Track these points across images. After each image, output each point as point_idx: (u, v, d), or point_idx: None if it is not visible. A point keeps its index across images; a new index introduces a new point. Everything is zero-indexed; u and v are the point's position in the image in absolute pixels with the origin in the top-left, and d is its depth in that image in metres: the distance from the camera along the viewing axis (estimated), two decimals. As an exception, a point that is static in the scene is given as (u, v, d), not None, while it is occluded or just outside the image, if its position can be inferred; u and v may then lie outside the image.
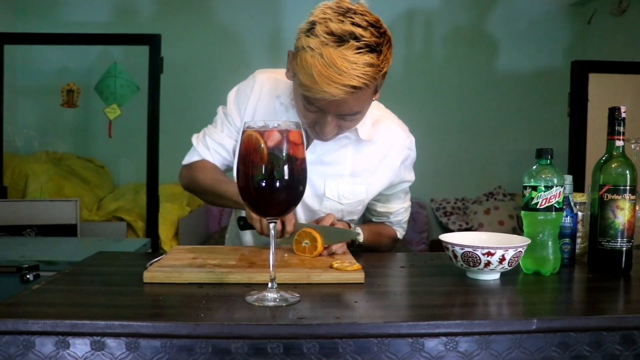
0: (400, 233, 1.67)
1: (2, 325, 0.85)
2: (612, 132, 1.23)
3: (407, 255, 1.47)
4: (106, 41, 3.62)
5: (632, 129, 1.57)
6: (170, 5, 4.67)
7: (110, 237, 3.30)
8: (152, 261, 1.17)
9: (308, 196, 1.44)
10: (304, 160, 0.93)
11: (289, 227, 1.28)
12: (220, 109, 1.53)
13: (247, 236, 1.56)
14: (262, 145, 0.89)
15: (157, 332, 0.84)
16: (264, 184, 0.90)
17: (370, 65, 1.14)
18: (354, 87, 1.14)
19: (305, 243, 1.27)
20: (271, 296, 0.94)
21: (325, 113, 1.24)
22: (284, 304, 0.93)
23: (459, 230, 4.55)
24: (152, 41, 3.40)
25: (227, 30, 4.68)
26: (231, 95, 1.51)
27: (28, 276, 2.47)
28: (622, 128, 1.23)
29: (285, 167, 0.90)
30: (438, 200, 4.89)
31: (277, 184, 0.90)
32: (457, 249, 1.13)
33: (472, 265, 1.12)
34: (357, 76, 1.14)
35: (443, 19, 4.89)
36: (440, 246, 1.24)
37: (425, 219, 4.74)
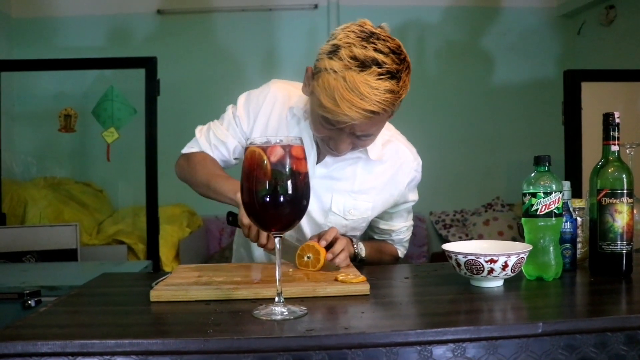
0: (401, 252, 1.68)
1: (11, 347, 0.85)
2: (607, 138, 1.25)
3: (410, 266, 1.48)
4: (102, 65, 3.64)
5: (625, 135, 1.60)
6: (166, 27, 4.71)
7: (111, 261, 3.29)
8: (158, 280, 1.17)
9: (314, 209, 1.45)
10: (306, 174, 0.94)
11: (262, 240, 1.28)
12: (229, 108, 1.53)
13: (258, 251, 1.56)
14: (265, 161, 0.91)
15: (166, 349, 0.84)
16: (268, 199, 0.91)
17: (391, 91, 1.18)
18: (374, 112, 1.17)
19: (308, 257, 1.28)
20: (279, 310, 0.95)
21: (341, 131, 1.25)
22: (291, 317, 0.94)
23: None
24: (148, 64, 3.42)
25: (223, 51, 4.72)
26: (241, 99, 1.51)
27: (30, 302, 2.47)
28: (616, 133, 1.25)
29: (289, 182, 0.91)
30: (437, 213, 4.90)
31: (281, 199, 0.92)
32: (460, 257, 1.14)
33: (475, 273, 1.13)
34: (378, 102, 1.17)
35: (436, 34, 4.94)
36: (441, 259, 1.25)
37: (425, 232, 4.75)
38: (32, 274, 2.75)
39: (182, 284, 1.12)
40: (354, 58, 1.16)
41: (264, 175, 0.91)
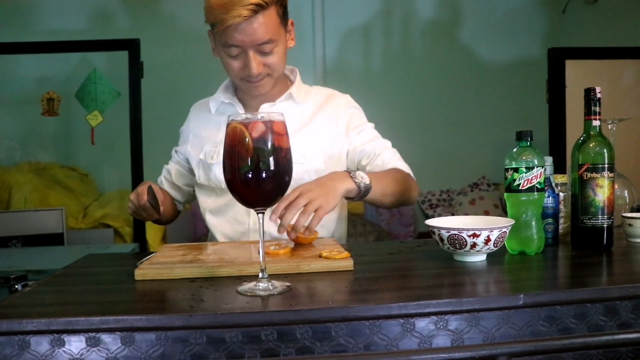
0: (405, 168, 1.58)
1: (-4, 326, 0.85)
2: (588, 113, 1.26)
3: (395, 243, 1.48)
4: (84, 48, 3.60)
5: (609, 111, 1.61)
6: (148, 9, 4.65)
7: (98, 244, 3.29)
8: (143, 260, 1.18)
9: None
10: (288, 150, 0.94)
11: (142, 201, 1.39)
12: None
13: (231, 232, 1.59)
14: (247, 138, 0.90)
15: (151, 325, 0.85)
16: (250, 176, 0.91)
17: None
18: (257, 4, 1.30)
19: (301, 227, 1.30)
20: (262, 285, 0.95)
21: (246, 51, 1.37)
22: (275, 293, 0.94)
23: (446, 221, 4.58)
24: (131, 46, 3.39)
25: (206, 33, 4.67)
26: (180, 131, 1.70)
27: (17, 286, 2.46)
28: (598, 108, 1.26)
29: (271, 158, 0.91)
30: (423, 193, 4.92)
31: (263, 175, 0.92)
32: (443, 232, 1.15)
33: (458, 247, 1.14)
34: None
35: (421, 15, 4.93)
36: (427, 238, 1.26)
37: (412, 212, 4.77)
38: (18, 258, 2.74)
39: (166, 263, 1.13)
40: None
41: (246, 152, 0.90)
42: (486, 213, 4.50)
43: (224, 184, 1.50)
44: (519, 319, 0.92)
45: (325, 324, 0.86)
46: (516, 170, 1.23)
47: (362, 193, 1.33)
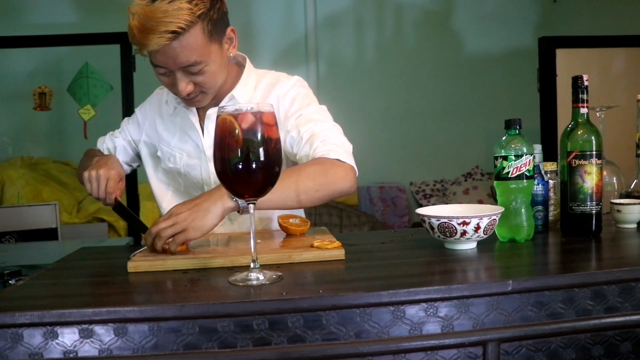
0: (334, 154, 1.32)
1: (-12, 320, 0.86)
2: (576, 100, 1.27)
3: (387, 232, 1.49)
4: (76, 41, 3.58)
5: (600, 99, 1.62)
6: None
7: (92, 238, 3.29)
8: (136, 252, 1.18)
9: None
10: (278, 140, 0.95)
11: (109, 200, 1.37)
12: (124, 120, 1.67)
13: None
14: (237, 129, 0.91)
15: (144, 316, 0.85)
16: (240, 167, 0.92)
17: (181, 9, 1.22)
18: (171, 31, 1.22)
19: (294, 220, 1.30)
20: (254, 275, 0.96)
21: (173, 72, 1.30)
22: (267, 282, 0.95)
23: (440, 211, 4.60)
24: (123, 39, 3.37)
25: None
26: (136, 109, 1.65)
27: (10, 282, 2.46)
28: (585, 96, 1.26)
29: (261, 149, 0.92)
30: (417, 183, 4.94)
31: (254, 166, 0.92)
32: (433, 220, 1.16)
33: (448, 235, 1.15)
34: (170, 22, 1.21)
35: (413, 4, 4.93)
36: (421, 227, 1.27)
37: (406, 203, 4.79)
38: (12, 253, 2.74)
39: (159, 255, 1.13)
40: None
41: (236, 143, 0.91)
42: (480, 202, 4.52)
43: (185, 181, 1.52)
44: (508, 305, 0.93)
45: (316, 313, 0.87)
46: (505, 158, 1.24)
47: (244, 209, 1.17)
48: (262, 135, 0.92)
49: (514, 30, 4.91)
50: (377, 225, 4.35)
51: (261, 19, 4.78)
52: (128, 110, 3.31)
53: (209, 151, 1.47)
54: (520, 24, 4.92)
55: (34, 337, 0.86)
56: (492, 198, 1.35)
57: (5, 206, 3.50)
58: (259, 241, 1.24)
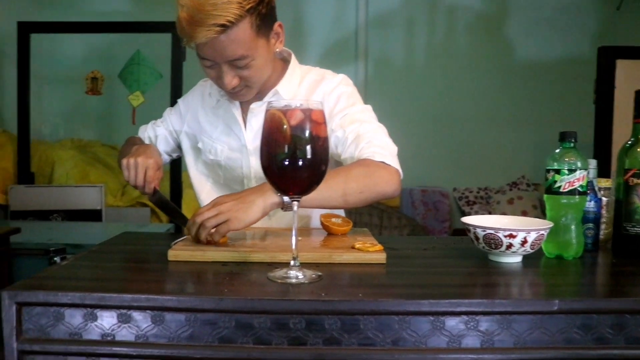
0: (379, 156, 1.31)
1: (33, 296, 0.87)
2: (638, 115, 1.22)
3: (429, 238, 1.46)
4: (129, 29, 3.65)
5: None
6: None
7: (134, 222, 3.35)
8: (176, 241, 1.19)
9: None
10: (326, 139, 0.93)
11: (148, 189, 1.37)
12: (167, 110, 1.67)
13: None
14: (285, 125, 0.90)
15: (181, 306, 0.86)
16: (286, 163, 0.91)
17: (230, 2, 1.21)
18: (220, 25, 1.21)
19: (336, 219, 1.29)
20: (293, 273, 0.95)
21: (219, 65, 1.30)
22: (306, 281, 0.94)
23: (481, 219, 4.52)
24: (174, 29, 3.42)
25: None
26: (179, 100, 1.65)
27: (55, 259, 2.54)
28: (648, 111, 1.21)
29: (308, 147, 0.91)
30: (461, 189, 4.86)
31: (300, 163, 0.91)
32: (479, 231, 1.13)
33: (493, 247, 1.12)
34: (219, 15, 1.20)
35: (466, 7, 4.85)
36: (462, 235, 1.24)
37: (448, 208, 4.72)
38: (58, 232, 2.83)
39: (199, 245, 1.14)
40: None
41: (283, 139, 0.90)
42: (524, 213, 4.43)
43: (227, 174, 1.52)
44: (552, 325, 0.89)
45: (354, 316, 0.86)
46: (558, 171, 1.20)
47: (288, 205, 1.15)
48: (310, 133, 0.91)
49: (571, 38, 4.77)
50: (417, 228, 4.30)
51: (312, 15, 4.78)
52: (175, 98, 3.34)
53: (251, 145, 1.48)
54: (579, 32, 4.78)
55: (75, 318, 0.88)
56: (541, 211, 1.31)
57: (54, 185, 3.59)
58: (299, 238, 1.23)
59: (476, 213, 4.62)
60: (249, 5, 1.24)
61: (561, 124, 4.45)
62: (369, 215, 4.21)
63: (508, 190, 4.79)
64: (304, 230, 1.38)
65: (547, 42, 4.81)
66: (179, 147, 1.64)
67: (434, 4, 4.86)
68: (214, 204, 1.15)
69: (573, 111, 4.40)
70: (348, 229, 1.31)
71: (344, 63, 4.68)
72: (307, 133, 0.91)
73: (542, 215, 1.25)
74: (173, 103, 1.68)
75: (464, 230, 1.18)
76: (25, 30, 3.55)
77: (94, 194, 3.43)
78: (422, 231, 4.36)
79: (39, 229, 2.90)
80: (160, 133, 1.63)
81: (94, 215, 3.39)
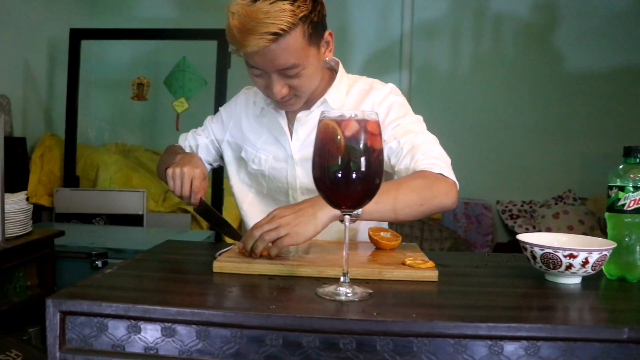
0: (436, 167, 1.28)
1: (77, 305, 0.86)
2: None
3: (480, 255, 1.40)
4: (176, 36, 3.68)
5: None
6: None
7: (175, 228, 3.37)
8: (221, 251, 1.16)
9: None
10: (381, 151, 0.90)
11: (194, 200, 1.33)
12: (208, 118, 1.65)
13: None
14: (339, 136, 0.87)
15: (228, 321, 0.83)
16: (339, 175, 0.87)
17: (283, 10, 1.19)
18: (273, 33, 1.18)
19: (385, 233, 1.25)
20: (343, 290, 0.92)
21: (269, 74, 1.27)
22: (356, 299, 0.90)
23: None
24: (220, 36, 3.44)
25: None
26: (221, 108, 1.63)
27: (97, 262, 2.56)
28: None
29: (362, 159, 0.87)
30: (504, 202, 4.74)
31: (354, 176, 0.87)
32: (536, 249, 1.07)
33: (552, 267, 1.06)
34: (272, 23, 1.18)
35: (513, 17, 4.74)
36: (505, 250, 1.18)
37: (491, 222, 4.61)
38: (100, 235, 2.85)
39: (245, 257, 1.11)
40: None
41: (337, 150, 0.87)
42: (570, 228, 4.28)
43: (270, 184, 1.49)
44: (621, 355, 0.83)
45: (408, 338, 0.82)
46: (622, 188, 1.13)
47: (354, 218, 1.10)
48: (365, 144, 0.87)
49: (623, 48, 4.61)
50: (459, 242, 4.21)
51: (356, 23, 4.75)
52: (220, 106, 3.36)
53: (297, 155, 1.45)
54: (631, 41, 4.60)
55: (118, 329, 0.86)
56: (600, 230, 1.24)
57: (98, 189, 3.64)
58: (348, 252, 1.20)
59: (520, 227, 4.50)
60: (302, 14, 1.21)
61: (610, 136, 4.33)
62: (409, 227, 4.13)
63: (553, 204, 4.65)
64: (352, 244, 1.33)
65: (598, 52, 4.66)
66: (220, 156, 1.62)
67: (481, 13, 4.77)
68: (272, 217, 1.12)
69: (624, 124, 4.25)
70: (397, 244, 1.27)
71: (387, 72, 4.63)
72: (361, 144, 0.87)
73: (589, 231, 1.18)
74: (217, 110, 1.67)
75: (508, 244, 1.13)
76: (77, 36, 3.61)
77: (136, 198, 3.46)
78: (463, 244, 4.26)
79: (82, 232, 2.94)
80: (201, 142, 1.61)
81: (135, 220, 3.41)
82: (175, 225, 3.51)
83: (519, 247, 1.14)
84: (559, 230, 4.30)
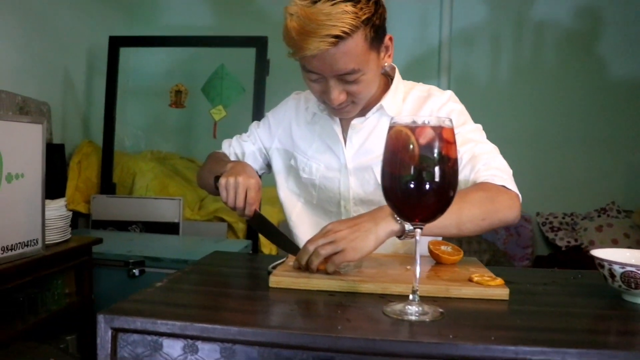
0: (497, 179, 1.23)
1: (131, 322, 0.81)
2: None
3: (546, 272, 1.31)
4: (214, 43, 3.67)
5: None
6: (278, 6, 4.69)
7: (211, 237, 3.33)
8: (274, 264, 1.11)
9: (370, 192, 1.37)
10: (456, 161, 0.83)
11: (249, 212, 1.25)
12: (254, 124, 1.59)
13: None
14: (412, 144, 0.80)
15: (293, 342, 0.77)
16: (412, 186, 0.81)
17: (345, 12, 1.13)
18: (334, 36, 1.13)
19: (446, 247, 1.18)
20: (413, 309, 0.85)
21: (326, 79, 1.22)
22: (427, 319, 0.84)
23: (567, 247, 4.26)
24: (258, 43, 3.42)
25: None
26: (268, 114, 1.57)
27: (134, 271, 2.53)
28: None
29: (437, 168, 0.80)
30: (544, 214, 4.61)
31: (427, 187, 0.81)
32: (615, 267, 0.99)
33: (633, 287, 0.98)
34: (333, 25, 1.12)
35: (554, 24, 4.63)
36: (545, 264, 1.10)
37: (530, 234, 4.47)
38: (137, 243, 2.83)
39: (302, 271, 1.05)
40: None
41: (410, 159, 0.80)
42: (615, 242, 4.13)
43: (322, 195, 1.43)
44: None
45: (489, 364, 0.75)
46: None
47: (407, 233, 1.07)
48: (440, 153, 0.80)
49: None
50: (498, 254, 4.09)
51: (394, 31, 4.64)
52: (258, 113, 3.34)
53: (351, 164, 1.38)
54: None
55: (173, 349, 0.81)
56: (634, 240, 1.14)
57: (134, 196, 3.64)
58: (407, 267, 1.13)
59: (561, 240, 4.36)
60: (365, 16, 1.15)
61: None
62: (447, 239, 4.04)
63: (596, 217, 4.50)
64: (407, 258, 1.26)
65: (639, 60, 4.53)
66: (267, 164, 1.56)
67: (521, 20, 4.66)
68: (327, 231, 1.06)
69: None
70: (459, 258, 1.20)
71: (426, 79, 4.47)
72: (436, 153, 0.80)
73: (635, 245, 1.09)
74: (255, 118, 1.62)
75: (547, 257, 1.05)
76: (116, 44, 3.63)
77: (173, 206, 3.44)
78: (502, 257, 4.14)
79: (119, 239, 2.92)
80: (247, 149, 1.54)
81: (171, 228, 3.39)
82: (211, 233, 3.48)
83: (560, 261, 1.06)
84: (602, 243, 4.16)
